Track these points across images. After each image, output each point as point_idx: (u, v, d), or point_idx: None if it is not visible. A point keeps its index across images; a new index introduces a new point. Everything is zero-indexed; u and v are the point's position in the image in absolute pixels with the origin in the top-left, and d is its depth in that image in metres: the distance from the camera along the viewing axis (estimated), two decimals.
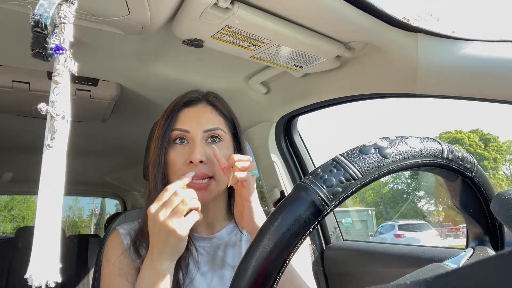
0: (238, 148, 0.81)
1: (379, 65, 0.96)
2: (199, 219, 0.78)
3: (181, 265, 0.72)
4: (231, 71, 1.23)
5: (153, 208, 0.62)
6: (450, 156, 0.38)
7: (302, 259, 0.78)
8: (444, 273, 0.18)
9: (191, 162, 0.71)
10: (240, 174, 0.64)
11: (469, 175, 0.40)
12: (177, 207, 0.61)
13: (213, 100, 0.81)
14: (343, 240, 1.37)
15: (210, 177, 0.73)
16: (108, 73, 1.24)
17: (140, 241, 0.75)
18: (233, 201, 0.82)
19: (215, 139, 0.76)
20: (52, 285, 0.32)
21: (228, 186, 0.67)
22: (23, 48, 0.75)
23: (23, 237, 2.35)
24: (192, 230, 0.78)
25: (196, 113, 0.78)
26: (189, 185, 0.70)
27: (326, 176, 0.33)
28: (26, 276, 0.32)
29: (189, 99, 0.79)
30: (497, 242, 0.44)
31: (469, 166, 0.40)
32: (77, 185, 3.07)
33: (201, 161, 0.71)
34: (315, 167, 0.59)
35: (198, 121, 0.76)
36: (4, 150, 2.17)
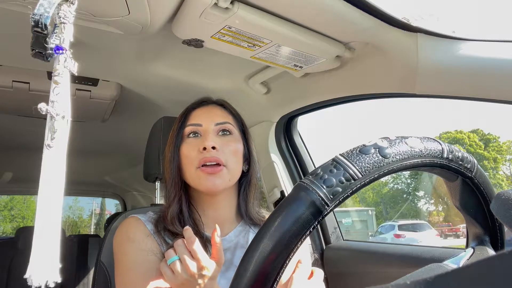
0: (246, 145, 0.86)
1: (379, 65, 0.96)
2: (209, 218, 0.81)
3: None
4: (231, 71, 1.23)
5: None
6: (450, 156, 0.38)
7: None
8: (444, 273, 0.18)
9: (204, 149, 0.76)
10: None
11: (469, 175, 0.40)
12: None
13: (221, 101, 0.88)
14: (343, 240, 1.37)
15: (222, 166, 0.77)
16: (108, 73, 1.24)
17: (163, 229, 0.76)
18: (242, 200, 0.85)
19: (226, 132, 0.81)
20: (52, 285, 0.32)
21: None
22: (23, 48, 0.75)
23: (23, 237, 2.34)
24: (203, 229, 0.80)
25: (207, 110, 0.84)
26: (203, 171, 0.75)
27: (326, 176, 0.33)
28: (26, 276, 0.32)
29: (200, 101, 0.87)
30: (497, 242, 0.44)
31: (469, 166, 0.40)
32: (77, 185, 3.07)
33: (213, 148, 0.76)
34: (315, 167, 0.59)
35: (209, 116, 0.82)
36: (4, 150, 2.17)
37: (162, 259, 0.70)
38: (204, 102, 0.87)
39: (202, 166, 0.76)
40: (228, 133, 0.81)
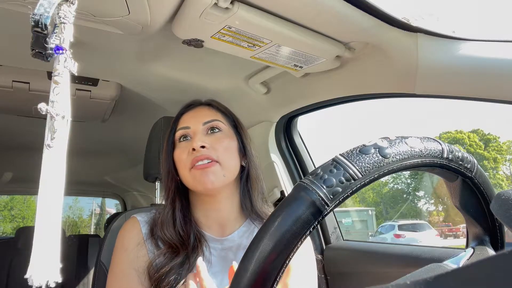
0: (241, 140, 0.85)
1: (379, 65, 0.96)
2: (212, 219, 0.81)
3: (193, 263, 0.74)
4: (231, 71, 1.23)
5: None
6: (450, 156, 0.38)
7: (308, 259, 0.80)
8: (444, 273, 0.18)
9: (193, 149, 0.76)
10: None
11: (469, 175, 0.40)
12: None
13: (209, 101, 0.89)
14: (343, 240, 1.37)
15: (215, 161, 0.77)
16: (108, 73, 1.24)
17: (158, 233, 0.77)
18: (244, 197, 0.84)
19: (214, 129, 0.82)
20: (53, 285, 0.32)
21: None
22: (23, 48, 0.75)
23: (23, 237, 2.34)
24: (204, 229, 0.81)
25: (195, 112, 0.85)
26: (196, 169, 0.75)
27: (326, 176, 0.33)
28: (26, 276, 0.31)
29: (188, 104, 0.88)
30: (497, 242, 0.44)
31: (469, 166, 0.40)
32: (77, 185, 3.07)
33: (202, 146, 0.76)
34: (315, 167, 0.59)
35: (196, 117, 0.83)
36: (4, 150, 2.17)
37: (142, 274, 0.72)
38: (191, 105, 0.88)
39: (195, 165, 0.76)
40: (217, 130, 0.82)
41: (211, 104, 0.88)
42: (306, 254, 0.84)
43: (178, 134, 0.82)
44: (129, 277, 0.72)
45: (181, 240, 0.75)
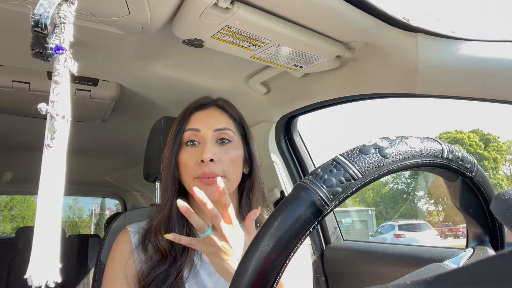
0: (248, 150, 0.83)
1: (379, 65, 0.96)
2: (208, 222, 0.81)
3: (186, 262, 0.74)
4: (231, 71, 1.23)
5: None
6: (450, 156, 0.38)
7: (302, 262, 0.80)
8: (444, 273, 0.18)
9: (202, 161, 0.74)
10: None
11: (469, 175, 0.40)
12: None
13: (222, 104, 0.85)
14: (343, 240, 1.37)
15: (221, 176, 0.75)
16: (108, 73, 1.24)
17: (149, 239, 0.77)
18: (244, 204, 0.83)
19: (224, 140, 0.79)
20: (52, 285, 0.32)
21: None
22: (23, 48, 0.75)
23: (23, 237, 2.34)
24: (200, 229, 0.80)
25: (207, 114, 0.81)
26: (200, 181, 0.74)
27: (326, 176, 0.33)
28: (26, 276, 0.32)
29: (200, 103, 0.84)
30: (497, 242, 0.44)
31: (469, 166, 0.40)
32: (77, 185, 3.08)
33: (211, 160, 0.74)
34: (315, 167, 0.59)
35: (209, 121, 0.79)
36: (4, 150, 2.17)
37: (132, 282, 0.74)
38: (203, 105, 0.84)
39: (200, 178, 0.74)
40: (227, 141, 0.79)
41: (224, 108, 0.84)
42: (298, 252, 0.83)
43: (186, 135, 0.78)
44: (119, 285, 0.74)
45: (170, 242, 0.74)
